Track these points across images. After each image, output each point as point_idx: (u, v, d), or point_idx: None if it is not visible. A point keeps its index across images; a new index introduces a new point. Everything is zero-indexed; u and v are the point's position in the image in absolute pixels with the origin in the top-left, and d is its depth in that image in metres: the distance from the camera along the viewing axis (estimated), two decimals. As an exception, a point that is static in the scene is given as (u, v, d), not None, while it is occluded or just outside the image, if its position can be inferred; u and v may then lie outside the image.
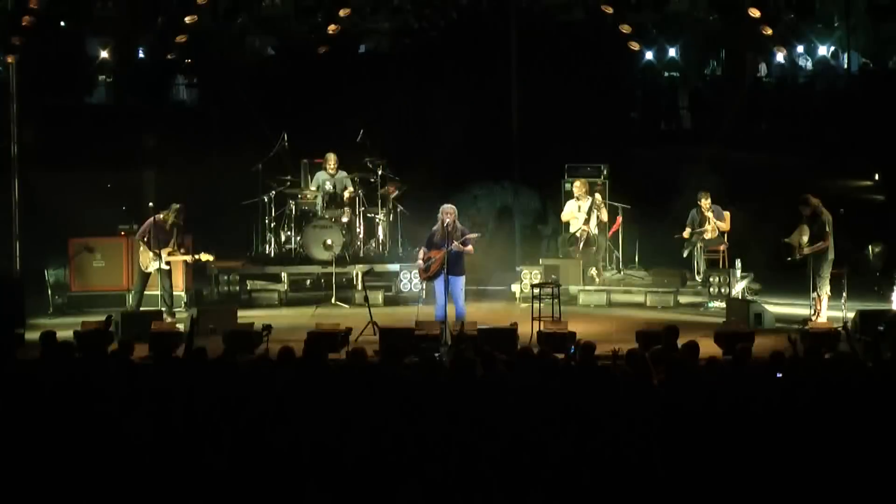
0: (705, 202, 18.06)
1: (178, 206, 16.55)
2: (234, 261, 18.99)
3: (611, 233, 18.89)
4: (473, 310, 15.61)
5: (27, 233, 18.06)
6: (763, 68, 25.54)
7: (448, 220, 14.84)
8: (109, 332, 13.91)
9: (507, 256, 20.01)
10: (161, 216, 16.40)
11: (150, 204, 16.63)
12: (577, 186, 18.59)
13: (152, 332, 14.28)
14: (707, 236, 18.10)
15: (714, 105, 24.82)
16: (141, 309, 16.26)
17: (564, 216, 18.61)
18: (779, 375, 10.65)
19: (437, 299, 15.05)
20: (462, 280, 14.99)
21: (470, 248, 14.82)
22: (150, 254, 16.28)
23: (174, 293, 17.21)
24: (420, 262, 15.12)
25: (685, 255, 18.33)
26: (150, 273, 16.42)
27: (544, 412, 9.76)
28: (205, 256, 16.93)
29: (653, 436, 9.04)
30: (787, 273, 17.03)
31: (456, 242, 14.66)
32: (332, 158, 18.79)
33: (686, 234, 18.08)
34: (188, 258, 16.77)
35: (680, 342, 12.33)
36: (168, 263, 16.36)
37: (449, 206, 15.07)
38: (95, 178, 20.06)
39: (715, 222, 17.99)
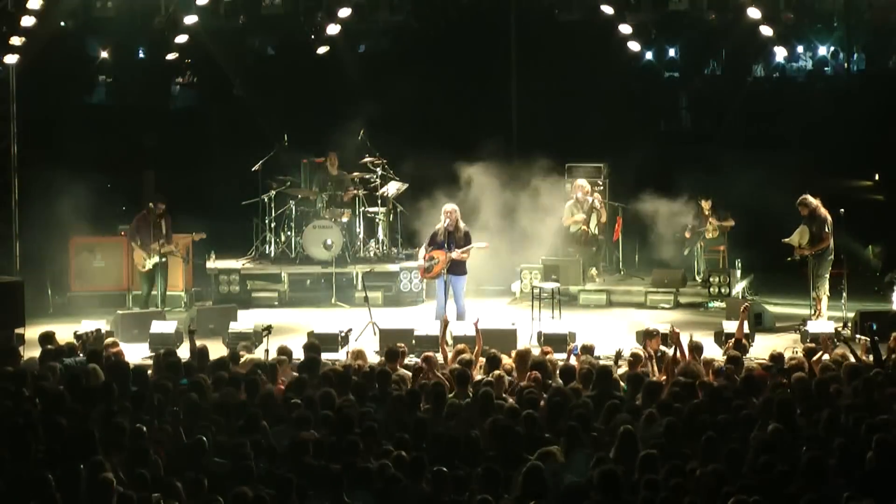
0: (706, 203, 18.09)
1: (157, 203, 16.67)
2: (234, 261, 18.98)
3: (616, 236, 18.88)
4: (473, 310, 15.59)
5: (27, 233, 18.05)
6: (762, 68, 25.55)
7: (450, 219, 14.89)
8: (109, 331, 13.92)
9: (507, 256, 19.97)
10: (145, 212, 16.52)
11: (150, 204, 16.63)
12: (577, 187, 18.58)
13: (152, 333, 14.29)
14: (708, 236, 18.12)
15: (714, 105, 24.83)
16: (139, 309, 16.27)
17: (565, 218, 18.59)
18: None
19: (438, 299, 15.07)
20: (463, 279, 15.03)
21: (466, 255, 14.90)
22: (143, 252, 16.35)
23: (173, 293, 17.23)
24: (422, 261, 15.15)
25: (685, 253, 18.33)
26: (149, 270, 16.48)
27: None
28: (196, 236, 17.02)
29: (653, 435, 9.05)
30: (786, 273, 17.01)
31: (457, 251, 14.73)
32: (333, 158, 18.79)
33: (688, 234, 18.12)
34: (179, 246, 16.75)
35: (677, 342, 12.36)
36: (164, 257, 16.40)
37: (451, 205, 15.13)
38: (95, 178, 20.03)
39: (718, 223, 18.01)
